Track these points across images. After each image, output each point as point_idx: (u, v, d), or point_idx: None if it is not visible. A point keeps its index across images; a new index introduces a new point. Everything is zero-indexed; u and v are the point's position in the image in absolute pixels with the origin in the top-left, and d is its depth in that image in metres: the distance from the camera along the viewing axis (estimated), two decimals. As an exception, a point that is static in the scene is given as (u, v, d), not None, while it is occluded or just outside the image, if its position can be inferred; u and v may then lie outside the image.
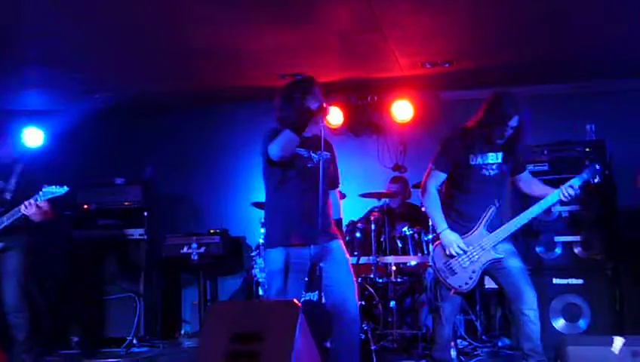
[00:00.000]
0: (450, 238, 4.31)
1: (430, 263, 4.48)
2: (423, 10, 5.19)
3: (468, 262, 4.30)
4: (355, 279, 4.30)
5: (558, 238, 5.89)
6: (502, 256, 4.29)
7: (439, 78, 6.90)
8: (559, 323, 5.76)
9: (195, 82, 7.05)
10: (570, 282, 5.79)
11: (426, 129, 7.23)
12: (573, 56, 6.38)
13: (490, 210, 4.33)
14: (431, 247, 5.67)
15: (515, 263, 4.34)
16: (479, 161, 4.37)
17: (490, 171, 4.39)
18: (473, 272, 4.29)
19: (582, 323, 5.71)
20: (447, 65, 6.49)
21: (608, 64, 6.61)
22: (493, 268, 4.36)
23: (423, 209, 5.85)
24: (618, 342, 3.07)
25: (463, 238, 4.32)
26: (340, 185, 4.56)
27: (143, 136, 7.96)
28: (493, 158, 4.39)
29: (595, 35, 5.77)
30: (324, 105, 4.08)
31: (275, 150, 4.01)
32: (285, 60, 6.23)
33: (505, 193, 4.52)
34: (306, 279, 4.48)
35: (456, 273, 4.32)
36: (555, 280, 5.83)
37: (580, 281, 5.77)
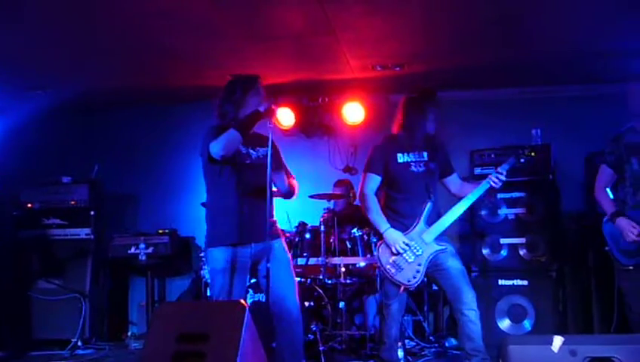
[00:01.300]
0: (394, 236, 4.43)
1: (377, 263, 4.57)
2: (375, 13, 5.22)
3: (413, 257, 4.39)
4: (295, 279, 4.32)
5: (504, 240, 6.02)
6: (444, 246, 4.42)
7: (390, 80, 6.95)
8: (504, 324, 5.87)
9: (145, 80, 6.95)
10: (515, 283, 5.91)
11: (376, 131, 7.25)
12: (522, 62, 6.49)
13: (427, 206, 4.44)
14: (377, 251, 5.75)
15: (455, 264, 4.44)
16: (406, 158, 4.56)
17: (419, 168, 4.56)
18: (419, 265, 4.38)
19: (527, 324, 5.83)
20: (397, 68, 6.56)
21: (555, 70, 6.75)
22: (434, 270, 4.45)
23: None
24: (557, 341, 3.12)
25: (404, 235, 4.42)
26: (292, 176, 4.51)
27: (91, 134, 7.86)
28: (419, 156, 4.58)
29: (542, 41, 5.88)
30: (273, 106, 4.08)
31: (216, 148, 3.99)
32: (238, 61, 6.20)
33: (436, 189, 4.62)
34: (253, 280, 4.48)
35: (402, 269, 4.40)
36: (500, 282, 5.95)
37: (525, 282, 5.89)
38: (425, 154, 4.60)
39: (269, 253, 4.02)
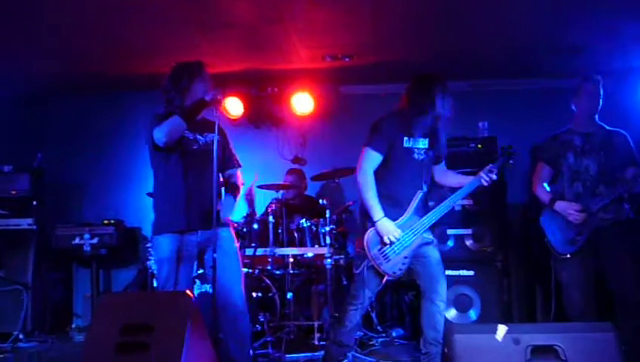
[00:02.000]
0: (388, 227, 4.21)
1: (365, 249, 4.27)
2: (324, 3, 5.22)
3: (401, 249, 4.26)
4: (242, 269, 4.29)
5: (451, 231, 6.06)
6: (432, 239, 4.37)
7: (339, 71, 6.96)
8: (451, 314, 5.92)
9: (91, 67, 6.80)
10: (461, 274, 5.96)
11: (325, 122, 7.30)
12: (470, 55, 6.58)
13: (419, 195, 4.33)
14: (328, 239, 5.74)
15: (435, 254, 4.39)
16: (411, 143, 4.34)
17: (420, 156, 4.37)
18: (405, 258, 4.27)
19: (472, 314, 5.90)
20: (347, 59, 6.56)
21: (503, 64, 6.86)
22: (414, 257, 4.35)
23: (321, 201, 5.91)
24: (501, 330, 3.17)
25: (395, 224, 4.26)
26: (240, 165, 4.48)
27: (34, 122, 7.66)
28: (423, 143, 4.38)
29: (490, 36, 5.96)
30: (219, 95, 4.05)
31: (159, 135, 3.96)
32: (187, 49, 6.13)
33: (430, 180, 4.52)
34: (200, 271, 4.43)
35: (390, 260, 4.25)
36: (447, 272, 5.96)
37: (471, 273, 5.95)
38: (427, 141, 4.39)
39: (216, 241, 3.97)
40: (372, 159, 4.30)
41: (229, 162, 4.45)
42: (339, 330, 4.50)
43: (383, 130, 4.32)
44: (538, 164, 4.95)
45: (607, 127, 4.80)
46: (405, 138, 4.31)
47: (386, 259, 4.26)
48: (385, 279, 4.37)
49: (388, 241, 4.21)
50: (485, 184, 4.39)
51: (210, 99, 4.04)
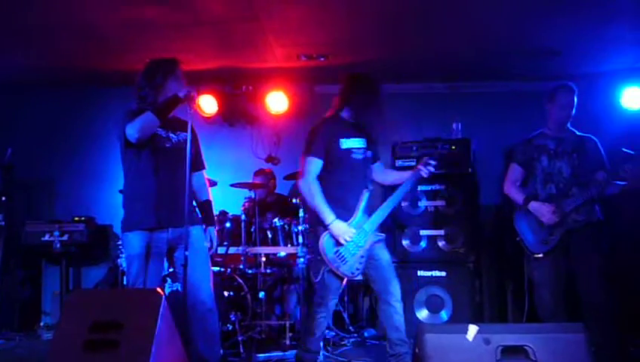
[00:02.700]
0: (342, 228, 4.24)
1: (322, 255, 4.29)
2: (300, 2, 5.19)
3: (357, 249, 4.30)
4: (211, 268, 4.30)
5: (423, 232, 6.09)
6: (382, 236, 4.43)
7: (314, 71, 6.94)
8: (422, 314, 5.95)
9: (64, 61, 6.70)
10: (433, 274, 5.99)
11: (300, 121, 7.27)
12: (445, 57, 6.61)
13: (365, 195, 4.38)
14: (300, 238, 5.72)
15: (385, 256, 4.45)
16: (349, 144, 4.40)
17: (359, 155, 4.44)
18: (362, 257, 4.32)
19: (444, 314, 5.93)
20: (322, 58, 6.55)
21: (476, 66, 6.90)
22: (368, 257, 4.40)
23: (294, 200, 5.89)
24: (472, 329, 3.18)
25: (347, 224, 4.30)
26: (205, 168, 4.49)
27: (4, 116, 7.53)
28: (359, 143, 4.45)
29: (464, 37, 5.99)
30: (193, 93, 4.02)
31: (132, 131, 3.94)
32: (162, 45, 6.08)
33: (371, 178, 4.59)
34: (171, 269, 4.40)
35: (347, 261, 4.28)
36: (419, 273, 6.02)
37: (443, 273, 5.98)
38: (363, 141, 4.46)
39: (187, 239, 3.95)
40: (313, 165, 4.36)
41: (197, 163, 4.43)
42: (308, 338, 4.51)
43: (318, 136, 4.39)
44: (511, 166, 5.02)
45: (578, 133, 4.88)
46: (342, 139, 4.39)
47: (342, 261, 4.29)
48: (344, 281, 4.42)
49: (344, 242, 4.25)
50: (425, 175, 4.49)
51: (183, 96, 4.01)
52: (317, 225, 4.36)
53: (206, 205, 4.45)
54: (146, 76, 4.18)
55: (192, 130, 4.11)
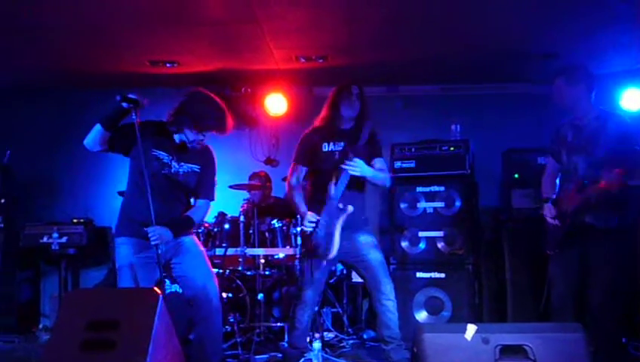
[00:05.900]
0: (307, 216, 4.50)
1: (303, 249, 4.66)
2: (299, 3, 5.19)
3: (323, 229, 4.43)
4: (212, 269, 4.36)
5: (422, 233, 6.08)
6: (371, 240, 4.60)
7: (313, 73, 6.95)
8: (422, 316, 5.94)
9: (63, 64, 6.71)
10: (432, 276, 5.98)
11: (298, 123, 7.21)
12: (444, 59, 6.62)
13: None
14: (299, 240, 5.72)
15: (376, 256, 4.57)
16: (330, 147, 4.62)
17: (339, 156, 4.58)
18: (329, 235, 4.40)
19: (443, 316, 5.91)
20: (321, 60, 6.56)
21: (476, 69, 6.90)
22: (356, 260, 4.59)
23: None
24: (471, 329, 3.18)
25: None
26: (212, 198, 4.44)
27: (4, 118, 7.53)
28: (339, 145, 4.61)
29: (462, 41, 6.00)
30: (141, 101, 4.00)
31: (85, 141, 4.11)
32: (160, 48, 6.09)
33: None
34: (165, 274, 4.39)
35: (319, 243, 4.44)
36: (418, 274, 6.02)
37: (442, 275, 5.97)
38: (342, 144, 4.60)
39: (180, 248, 4.00)
40: (296, 171, 4.74)
41: (201, 193, 4.38)
42: (291, 333, 4.74)
43: (301, 144, 4.75)
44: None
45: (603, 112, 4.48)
46: (324, 143, 4.64)
47: (316, 244, 4.45)
48: (325, 263, 4.55)
49: (308, 226, 4.46)
50: (355, 172, 4.42)
51: (119, 100, 3.98)
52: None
53: (184, 217, 4.31)
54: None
55: (207, 160, 4.27)
